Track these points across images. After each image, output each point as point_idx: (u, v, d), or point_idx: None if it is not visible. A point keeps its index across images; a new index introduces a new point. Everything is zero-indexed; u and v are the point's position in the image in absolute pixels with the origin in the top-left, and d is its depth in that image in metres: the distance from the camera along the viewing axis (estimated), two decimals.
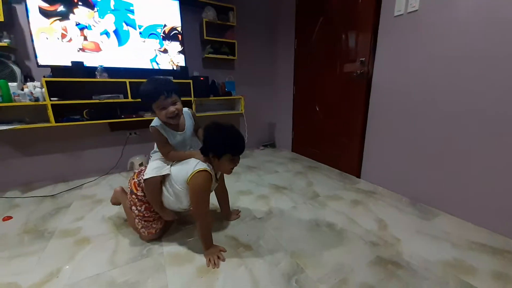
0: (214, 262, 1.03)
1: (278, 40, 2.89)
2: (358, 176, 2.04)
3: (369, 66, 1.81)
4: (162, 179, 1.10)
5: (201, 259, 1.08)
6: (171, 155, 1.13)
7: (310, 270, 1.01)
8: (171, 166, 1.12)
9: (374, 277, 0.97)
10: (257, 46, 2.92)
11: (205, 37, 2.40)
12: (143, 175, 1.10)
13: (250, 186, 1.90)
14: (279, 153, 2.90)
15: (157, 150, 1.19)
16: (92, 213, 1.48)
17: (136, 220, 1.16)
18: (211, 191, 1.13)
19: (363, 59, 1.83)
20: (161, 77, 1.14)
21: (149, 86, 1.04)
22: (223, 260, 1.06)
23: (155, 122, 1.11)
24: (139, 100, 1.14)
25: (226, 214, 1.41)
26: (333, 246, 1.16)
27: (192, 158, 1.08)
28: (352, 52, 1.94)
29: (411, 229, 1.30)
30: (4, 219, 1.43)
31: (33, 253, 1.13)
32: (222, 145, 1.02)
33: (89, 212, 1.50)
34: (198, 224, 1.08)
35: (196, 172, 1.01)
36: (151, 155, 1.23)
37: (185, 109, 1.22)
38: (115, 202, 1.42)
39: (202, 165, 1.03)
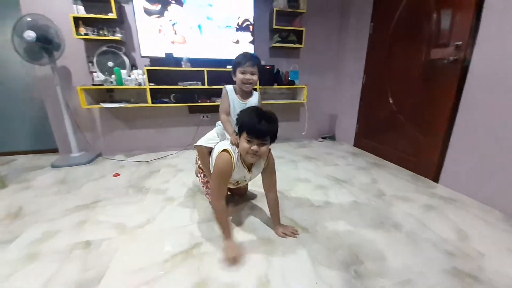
0: (233, 260, 0.98)
1: (350, 25, 2.69)
2: (435, 180, 1.79)
3: (466, 51, 1.52)
4: (212, 151, 1.24)
5: (263, 231, 1.19)
6: (222, 117, 1.30)
7: (370, 264, 0.99)
8: (218, 142, 1.23)
9: (446, 286, 0.88)
10: (325, 34, 2.81)
11: (274, 26, 2.45)
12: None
13: (307, 174, 1.91)
14: (339, 146, 2.78)
15: (220, 124, 1.38)
16: (175, 179, 1.81)
17: (201, 186, 1.37)
18: (238, 182, 1.17)
19: (459, 43, 1.55)
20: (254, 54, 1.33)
21: (242, 54, 1.26)
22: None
23: (229, 85, 1.32)
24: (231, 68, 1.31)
25: (274, 223, 1.20)
26: (399, 247, 1.09)
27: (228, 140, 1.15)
28: (445, 35, 1.66)
29: (500, 245, 1.10)
30: (114, 175, 1.88)
31: (135, 202, 1.47)
32: (241, 123, 1.00)
33: (173, 177, 1.84)
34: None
35: (220, 152, 1.05)
36: (216, 124, 1.44)
37: (256, 92, 1.39)
38: None
39: (226, 145, 1.06)
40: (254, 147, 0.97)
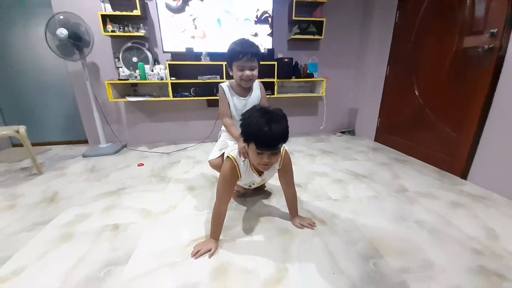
0: (196, 252, 0.97)
1: (374, 13, 2.56)
2: (464, 177, 1.69)
3: (502, 39, 1.41)
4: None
5: (280, 222, 1.21)
6: (225, 122, 1.20)
7: (390, 258, 0.97)
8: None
9: (471, 284, 0.84)
10: (347, 24, 2.71)
11: (293, 18, 2.41)
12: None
13: (325, 169, 1.89)
14: (358, 141, 2.71)
15: (225, 129, 1.29)
16: (194, 170, 1.88)
17: None
18: (249, 184, 1.17)
19: (495, 30, 1.43)
20: (251, 40, 1.13)
21: (238, 45, 1.08)
22: (208, 257, 0.98)
23: (225, 83, 1.21)
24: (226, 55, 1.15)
25: (292, 215, 1.21)
26: (421, 243, 1.06)
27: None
28: (479, 22, 1.54)
29: None
30: (139, 165, 1.99)
31: (159, 191, 1.54)
32: (247, 130, 0.86)
33: (192, 168, 1.90)
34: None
35: (226, 158, 1.02)
36: (219, 134, 1.38)
37: (257, 82, 1.26)
38: None
39: (233, 152, 1.02)
40: (266, 159, 0.87)
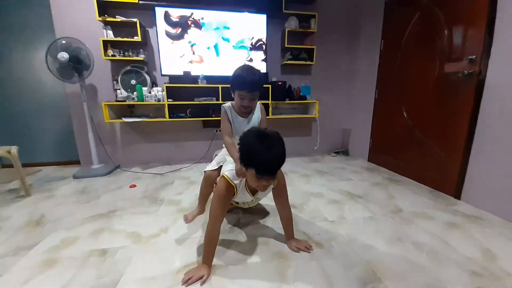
0: (188, 280, 0.92)
1: (361, 42, 2.76)
2: (457, 197, 1.70)
3: (481, 65, 1.52)
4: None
5: (276, 245, 1.17)
6: (226, 140, 1.21)
7: (389, 282, 0.94)
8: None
9: None
10: (336, 51, 2.88)
11: (286, 45, 2.55)
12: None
13: (321, 189, 1.88)
14: (352, 161, 2.73)
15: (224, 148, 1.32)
16: (188, 191, 1.84)
17: None
18: (246, 203, 1.21)
19: (473, 57, 1.55)
20: (258, 70, 1.16)
21: (244, 74, 1.11)
22: (200, 284, 0.93)
23: (227, 104, 1.26)
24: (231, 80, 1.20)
25: (287, 237, 1.18)
26: (420, 265, 1.03)
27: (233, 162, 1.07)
28: (458, 50, 1.66)
29: None
30: (131, 186, 1.95)
31: (150, 213, 1.50)
32: (246, 156, 0.87)
33: (186, 189, 1.87)
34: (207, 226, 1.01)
35: (222, 176, 1.03)
36: (214, 154, 1.41)
37: (258, 104, 1.31)
38: None
39: (229, 172, 1.02)
40: (265, 182, 0.88)
